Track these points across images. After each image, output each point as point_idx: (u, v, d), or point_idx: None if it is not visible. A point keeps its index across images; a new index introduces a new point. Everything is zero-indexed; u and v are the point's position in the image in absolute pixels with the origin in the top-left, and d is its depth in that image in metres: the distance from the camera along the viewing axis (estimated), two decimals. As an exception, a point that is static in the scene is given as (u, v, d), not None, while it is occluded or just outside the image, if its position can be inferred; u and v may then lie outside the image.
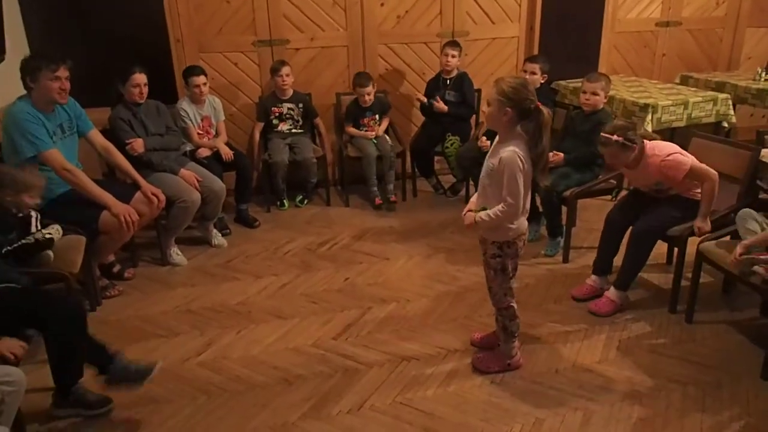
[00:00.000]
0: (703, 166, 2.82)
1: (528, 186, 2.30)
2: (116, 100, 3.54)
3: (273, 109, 4.34)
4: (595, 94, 3.50)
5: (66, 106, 3.07)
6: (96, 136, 3.31)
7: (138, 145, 3.47)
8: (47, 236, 2.68)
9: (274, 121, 4.38)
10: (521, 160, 2.20)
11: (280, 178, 4.31)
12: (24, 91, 2.96)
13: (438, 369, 2.62)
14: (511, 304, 2.50)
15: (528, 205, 2.38)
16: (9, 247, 2.53)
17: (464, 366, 2.64)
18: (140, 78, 3.47)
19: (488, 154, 2.34)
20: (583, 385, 2.51)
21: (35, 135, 2.88)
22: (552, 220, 3.62)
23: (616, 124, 2.88)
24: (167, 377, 2.56)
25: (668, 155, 2.82)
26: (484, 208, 2.33)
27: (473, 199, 2.47)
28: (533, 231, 3.84)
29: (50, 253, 2.71)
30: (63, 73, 2.93)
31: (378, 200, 4.36)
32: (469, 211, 2.40)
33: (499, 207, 2.28)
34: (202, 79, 3.91)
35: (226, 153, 3.96)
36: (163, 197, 3.31)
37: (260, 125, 4.38)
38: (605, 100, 3.56)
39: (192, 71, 3.92)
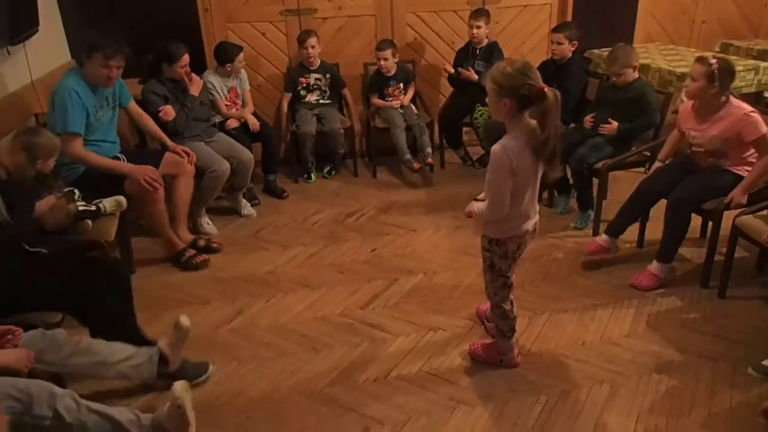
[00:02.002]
0: None
1: (528, 184, 2.10)
2: (149, 74, 3.56)
3: (300, 79, 4.31)
4: (619, 74, 3.41)
5: None
6: (133, 106, 3.39)
7: (169, 110, 3.50)
8: (108, 210, 2.84)
9: (302, 92, 4.35)
10: (510, 157, 1.99)
11: (308, 149, 4.29)
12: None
13: (464, 340, 2.64)
14: (502, 304, 2.35)
15: (532, 207, 2.19)
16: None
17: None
18: (187, 58, 3.52)
19: None
20: (610, 358, 2.50)
21: (70, 115, 2.94)
22: (582, 193, 3.57)
23: (726, 58, 2.81)
24: (199, 343, 2.63)
25: (752, 111, 2.75)
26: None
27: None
28: (563, 203, 3.80)
29: (89, 221, 2.78)
30: (117, 62, 2.98)
31: (416, 165, 4.23)
32: (475, 199, 2.24)
33: (485, 203, 2.13)
34: (242, 54, 3.95)
35: (253, 123, 3.99)
36: (192, 153, 3.37)
37: (288, 96, 4.35)
38: (634, 73, 3.44)
39: (233, 51, 3.89)
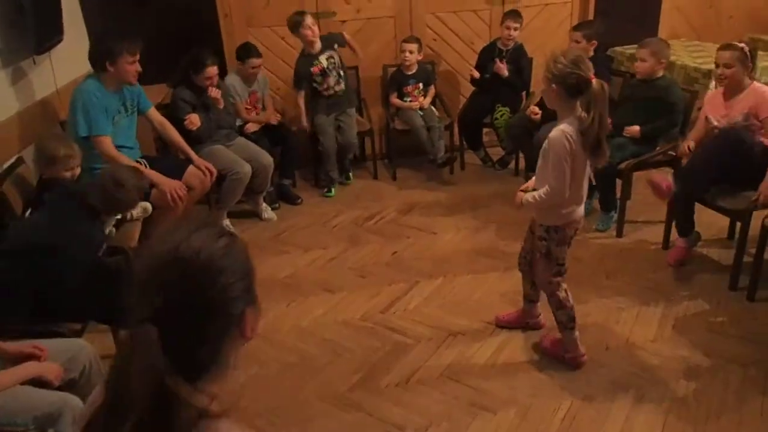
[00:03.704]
0: None
1: (583, 169, 2.20)
2: (180, 80, 3.60)
3: (312, 69, 3.98)
4: (643, 60, 3.35)
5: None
6: (153, 113, 3.40)
7: (195, 119, 3.53)
8: (134, 216, 2.88)
9: (317, 81, 4.02)
10: (569, 141, 2.10)
11: (331, 163, 4.16)
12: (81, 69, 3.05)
13: (485, 344, 2.61)
14: (557, 293, 2.37)
15: (584, 191, 2.26)
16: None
17: (512, 341, 2.63)
18: (212, 71, 3.53)
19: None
20: (636, 363, 2.45)
21: (94, 117, 2.98)
22: (605, 194, 3.51)
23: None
24: (221, 347, 2.64)
25: None
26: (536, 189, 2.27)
27: (533, 178, 2.38)
28: (585, 204, 3.73)
29: (113, 228, 2.83)
30: (138, 55, 3.03)
31: (432, 159, 4.24)
32: (521, 190, 2.34)
33: (544, 189, 2.20)
34: (259, 61, 3.92)
35: (275, 117, 4.06)
36: (214, 170, 3.39)
37: (302, 94, 4.09)
38: (661, 67, 3.37)
39: (251, 52, 3.90)
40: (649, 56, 3.34)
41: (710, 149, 2.89)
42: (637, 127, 3.36)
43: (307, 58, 4.01)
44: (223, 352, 0.91)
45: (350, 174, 4.48)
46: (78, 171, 2.76)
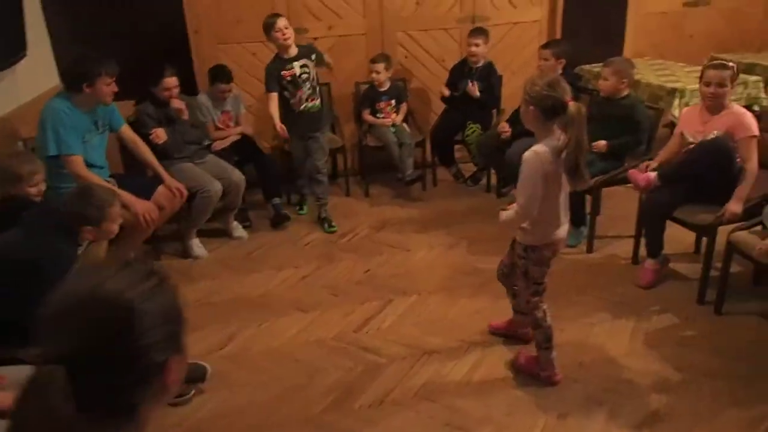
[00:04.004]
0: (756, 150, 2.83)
1: (559, 190, 2.21)
2: (144, 96, 3.55)
3: (284, 73, 3.69)
4: (605, 79, 3.42)
5: None
6: (126, 131, 3.34)
7: (161, 133, 3.48)
8: None
9: (288, 90, 3.72)
10: (542, 161, 2.12)
11: (303, 181, 4.11)
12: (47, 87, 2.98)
13: (460, 362, 2.60)
14: (535, 312, 2.38)
15: (562, 213, 2.26)
16: None
17: (487, 359, 2.62)
18: (170, 82, 3.49)
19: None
20: (610, 378, 2.47)
21: (64, 136, 2.92)
22: (575, 209, 3.54)
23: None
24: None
25: (751, 114, 2.89)
26: None
27: None
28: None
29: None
30: (115, 77, 3.00)
31: (407, 176, 4.20)
32: (502, 209, 2.33)
33: (515, 208, 2.22)
34: (227, 86, 3.90)
35: (249, 129, 4.03)
36: (185, 192, 3.33)
37: (274, 96, 3.71)
38: (624, 86, 3.42)
39: (219, 76, 3.88)
40: (611, 75, 3.41)
41: (691, 157, 2.92)
42: (603, 142, 3.42)
43: (278, 61, 3.74)
44: (139, 403, 0.84)
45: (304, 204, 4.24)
46: (43, 187, 2.68)
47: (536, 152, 2.14)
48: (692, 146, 3.01)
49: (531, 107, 2.13)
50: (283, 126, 3.68)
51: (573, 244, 3.55)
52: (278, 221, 3.97)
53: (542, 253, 2.30)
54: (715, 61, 2.97)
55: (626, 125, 3.40)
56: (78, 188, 2.45)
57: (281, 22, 3.62)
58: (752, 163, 2.80)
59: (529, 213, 2.19)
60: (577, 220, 3.56)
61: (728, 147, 2.84)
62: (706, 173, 2.85)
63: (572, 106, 2.08)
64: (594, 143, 3.45)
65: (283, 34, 3.61)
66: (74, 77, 2.95)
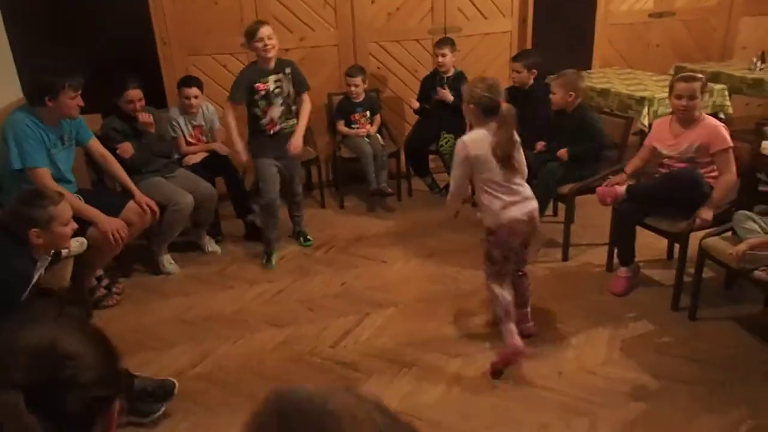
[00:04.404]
0: (733, 160, 2.86)
1: (499, 175, 2.42)
2: (110, 110, 3.46)
3: (257, 85, 3.35)
4: (554, 93, 3.46)
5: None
6: (95, 144, 3.25)
7: (127, 147, 3.39)
8: (72, 252, 2.71)
9: (259, 106, 3.38)
10: (467, 147, 2.42)
11: (272, 225, 3.56)
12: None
13: (440, 375, 2.57)
14: (493, 288, 2.56)
15: (506, 196, 2.45)
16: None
17: (467, 371, 2.59)
18: (134, 94, 3.38)
19: None
20: (588, 387, 2.46)
21: (28, 150, 2.82)
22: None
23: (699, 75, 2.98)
24: (163, 391, 2.49)
25: (724, 126, 2.90)
26: None
27: None
28: None
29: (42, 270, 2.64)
30: (80, 89, 2.91)
31: (389, 189, 4.19)
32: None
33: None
34: (193, 90, 3.78)
35: (222, 148, 3.89)
36: (156, 209, 3.24)
37: (232, 108, 3.41)
38: (572, 99, 3.43)
39: (184, 81, 3.81)
40: (558, 88, 3.44)
41: (661, 185, 2.97)
42: (563, 150, 3.45)
43: (254, 70, 3.39)
44: None
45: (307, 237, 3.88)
46: None
47: (463, 139, 2.46)
48: (661, 173, 3.05)
49: (471, 105, 2.44)
50: (245, 148, 3.42)
51: None
52: (252, 235, 3.89)
53: (498, 235, 2.49)
54: (684, 74, 3.00)
55: (582, 135, 3.42)
56: (20, 192, 2.35)
57: (265, 31, 3.26)
58: (730, 175, 2.83)
59: (458, 193, 2.56)
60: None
61: (696, 179, 2.86)
62: (675, 200, 2.91)
63: (505, 106, 2.40)
64: (558, 152, 3.49)
65: (265, 45, 3.27)
66: (36, 91, 2.86)
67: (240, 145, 3.44)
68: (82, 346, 0.89)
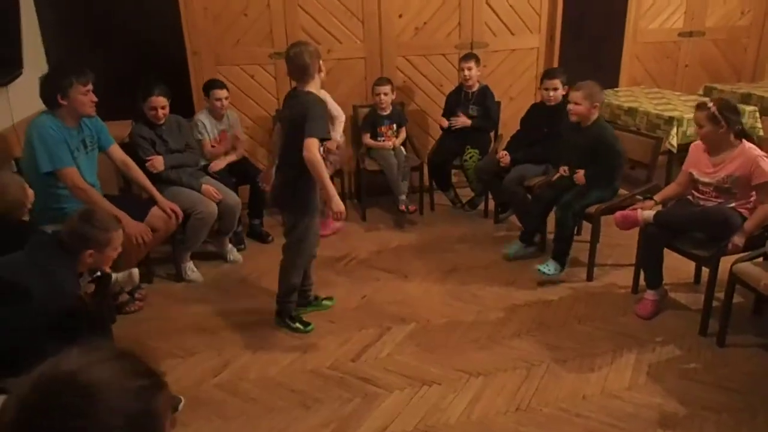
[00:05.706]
0: None
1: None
2: (138, 116, 3.51)
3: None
4: (577, 103, 3.36)
5: (89, 120, 3.05)
6: (116, 150, 3.27)
7: (158, 162, 3.43)
8: (119, 281, 2.79)
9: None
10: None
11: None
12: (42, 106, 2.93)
13: (461, 394, 2.53)
14: None
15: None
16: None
17: (488, 390, 2.55)
18: (158, 101, 3.42)
19: None
20: (612, 412, 2.41)
21: (55, 151, 2.85)
22: (561, 243, 3.41)
23: (722, 98, 2.89)
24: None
25: (766, 156, 2.80)
26: None
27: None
28: (520, 247, 3.69)
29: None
30: (91, 85, 2.92)
31: (413, 207, 4.23)
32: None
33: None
34: (224, 92, 3.84)
35: (239, 154, 4.00)
36: (180, 213, 3.27)
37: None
38: (596, 110, 3.37)
39: (214, 84, 3.87)
40: (583, 99, 3.32)
41: (693, 219, 2.91)
42: (581, 174, 3.40)
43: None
44: None
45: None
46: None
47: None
48: (692, 200, 3.01)
49: None
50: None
51: (550, 273, 3.37)
52: (252, 235, 4.06)
53: None
54: (699, 101, 2.97)
55: (596, 154, 3.35)
56: (81, 211, 2.37)
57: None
58: None
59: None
60: (558, 253, 3.42)
61: (728, 219, 2.79)
62: (705, 233, 2.87)
63: None
64: (575, 176, 3.43)
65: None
66: (47, 92, 2.88)
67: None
68: (134, 400, 0.83)
